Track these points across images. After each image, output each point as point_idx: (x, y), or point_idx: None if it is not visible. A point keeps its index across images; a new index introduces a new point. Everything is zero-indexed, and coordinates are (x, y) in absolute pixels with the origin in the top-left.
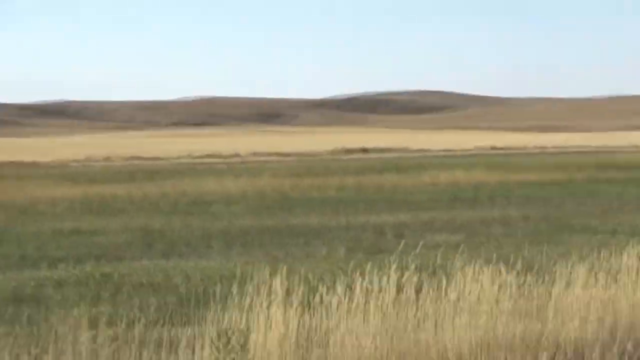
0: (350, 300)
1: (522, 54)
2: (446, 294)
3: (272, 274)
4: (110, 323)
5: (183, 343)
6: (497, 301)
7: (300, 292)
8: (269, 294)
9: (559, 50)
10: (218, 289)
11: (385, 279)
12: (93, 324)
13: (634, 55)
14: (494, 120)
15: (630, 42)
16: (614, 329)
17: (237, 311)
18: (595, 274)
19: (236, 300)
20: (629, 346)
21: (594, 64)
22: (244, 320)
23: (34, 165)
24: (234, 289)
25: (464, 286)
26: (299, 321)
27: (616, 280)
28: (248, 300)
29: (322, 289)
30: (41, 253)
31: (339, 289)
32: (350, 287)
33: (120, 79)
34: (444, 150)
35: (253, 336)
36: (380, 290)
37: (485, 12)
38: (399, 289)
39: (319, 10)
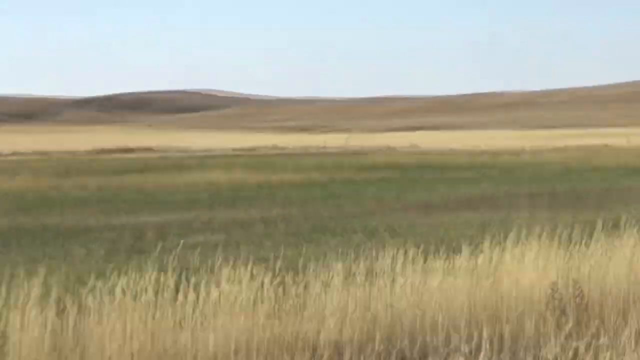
0: (110, 301)
1: (281, 55)
2: (205, 294)
3: (29, 275)
4: None
5: None
6: (255, 301)
7: (57, 294)
8: (26, 295)
9: (319, 52)
10: None
11: (144, 279)
12: None
13: (391, 57)
14: (256, 120)
15: (388, 45)
16: (371, 329)
17: None
18: (354, 274)
19: None
20: (386, 346)
21: (353, 66)
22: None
23: None
24: None
25: (223, 286)
26: (56, 323)
27: (374, 281)
28: (2, 302)
29: (81, 291)
30: None
31: (99, 290)
32: (110, 289)
33: None
34: (204, 150)
35: (9, 338)
36: (139, 291)
37: (255, 11)
38: (159, 290)
39: (78, 9)
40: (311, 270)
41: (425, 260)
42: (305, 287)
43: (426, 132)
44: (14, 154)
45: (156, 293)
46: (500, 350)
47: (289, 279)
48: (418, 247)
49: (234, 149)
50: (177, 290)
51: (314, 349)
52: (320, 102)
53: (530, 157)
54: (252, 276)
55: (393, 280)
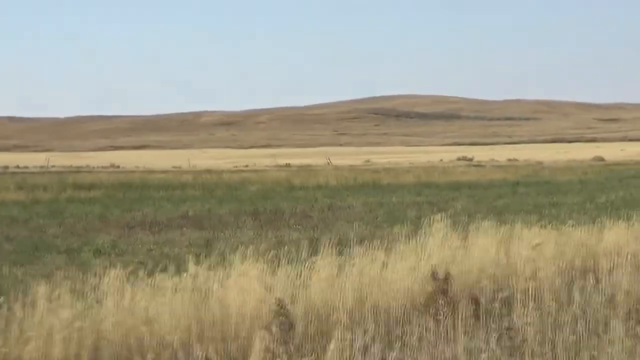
0: None
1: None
2: None
3: None
4: None
5: None
6: None
7: None
8: None
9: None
10: None
11: None
12: None
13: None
14: None
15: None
16: (77, 349)
17: None
18: (58, 295)
19: None
20: None
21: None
22: None
23: None
24: None
25: None
26: None
27: (85, 300)
28: None
29: None
30: None
31: None
32: None
33: None
34: None
35: None
36: None
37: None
38: None
39: None
40: (18, 291)
41: (150, 278)
42: (9, 308)
43: (130, 152)
44: None
45: None
46: None
47: None
48: (144, 265)
49: None
50: None
51: None
52: (24, 122)
53: (253, 175)
54: None
55: (119, 300)
